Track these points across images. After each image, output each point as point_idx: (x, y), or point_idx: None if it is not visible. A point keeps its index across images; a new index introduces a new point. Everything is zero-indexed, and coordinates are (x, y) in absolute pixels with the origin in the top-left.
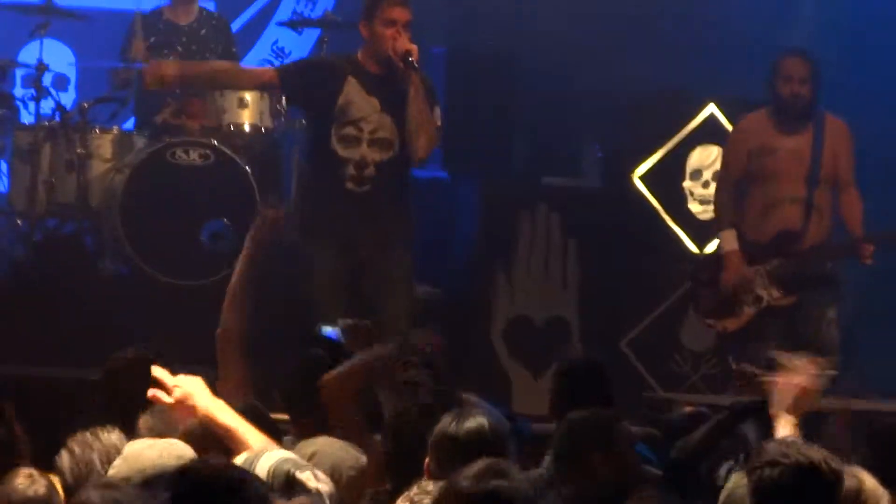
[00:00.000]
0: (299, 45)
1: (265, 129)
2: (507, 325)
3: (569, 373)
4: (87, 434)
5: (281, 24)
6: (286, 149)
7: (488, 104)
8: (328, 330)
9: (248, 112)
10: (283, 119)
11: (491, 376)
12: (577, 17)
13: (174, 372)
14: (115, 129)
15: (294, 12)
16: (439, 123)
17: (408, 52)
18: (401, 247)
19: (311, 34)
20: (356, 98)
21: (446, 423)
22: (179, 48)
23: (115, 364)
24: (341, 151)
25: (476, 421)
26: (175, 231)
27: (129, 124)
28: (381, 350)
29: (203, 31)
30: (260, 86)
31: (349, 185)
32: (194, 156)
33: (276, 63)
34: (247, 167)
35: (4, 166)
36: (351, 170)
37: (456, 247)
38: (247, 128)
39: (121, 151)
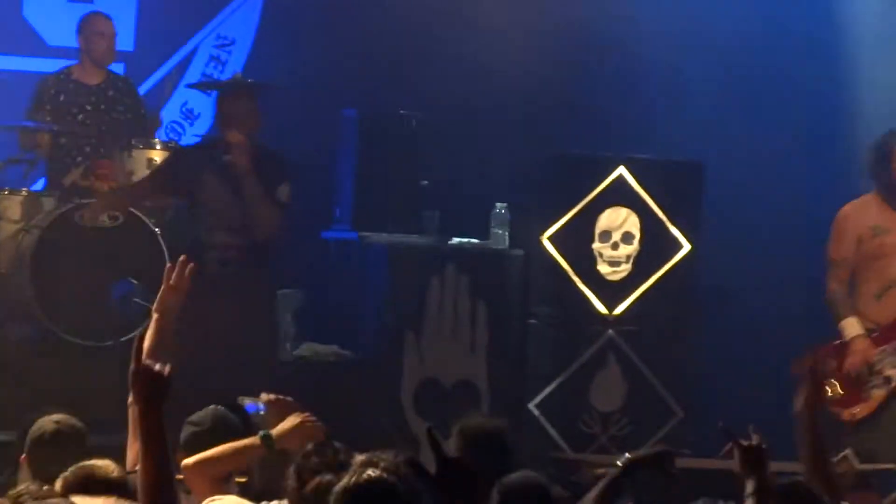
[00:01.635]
0: (208, 106)
1: None
2: (417, 387)
3: (468, 436)
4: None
5: (190, 86)
6: None
7: (397, 165)
8: (249, 403)
9: None
10: None
11: (399, 437)
12: (485, 79)
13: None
14: (24, 191)
15: (203, 74)
16: (284, 200)
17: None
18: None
19: None
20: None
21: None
22: (89, 107)
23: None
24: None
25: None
26: (84, 292)
27: (39, 185)
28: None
29: (111, 93)
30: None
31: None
32: (104, 217)
33: (186, 126)
34: (156, 228)
35: None
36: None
37: (365, 307)
38: None
39: (30, 213)
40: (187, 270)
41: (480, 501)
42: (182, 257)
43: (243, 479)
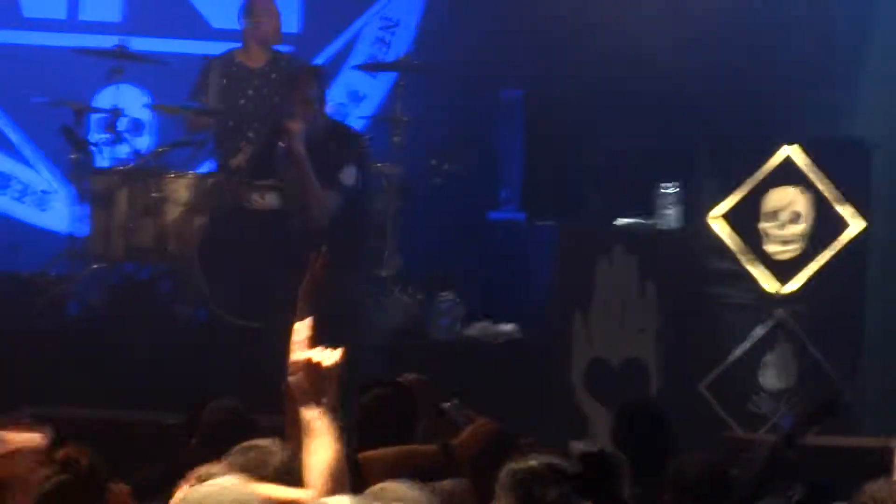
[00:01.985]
0: (375, 89)
1: None
2: (587, 367)
3: (627, 413)
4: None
5: (356, 67)
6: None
7: (564, 146)
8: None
9: None
10: None
11: (569, 415)
12: (655, 61)
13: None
14: (191, 174)
15: (369, 56)
16: (348, 182)
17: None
18: None
19: (387, 78)
20: None
21: None
22: (250, 91)
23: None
24: None
25: None
26: (251, 274)
27: (206, 167)
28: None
29: (273, 76)
30: None
31: None
32: (270, 199)
33: (349, 106)
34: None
35: (86, 210)
36: None
37: (533, 288)
38: None
39: (197, 195)
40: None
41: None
42: (323, 248)
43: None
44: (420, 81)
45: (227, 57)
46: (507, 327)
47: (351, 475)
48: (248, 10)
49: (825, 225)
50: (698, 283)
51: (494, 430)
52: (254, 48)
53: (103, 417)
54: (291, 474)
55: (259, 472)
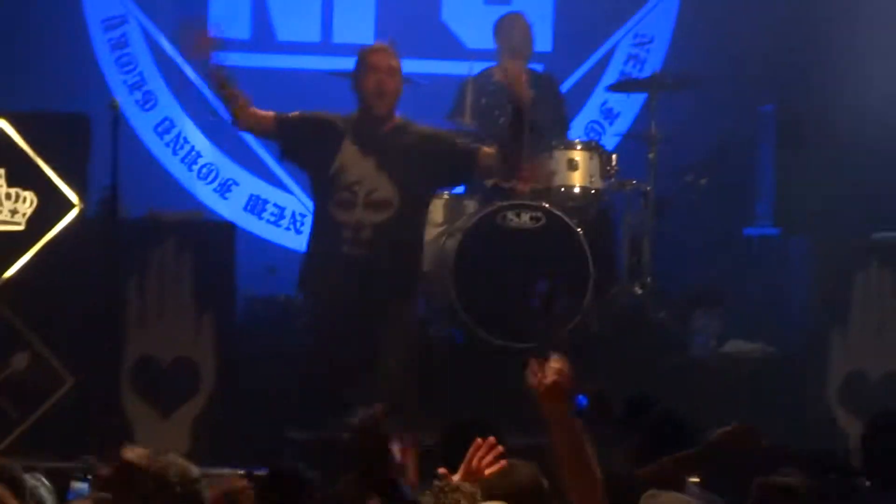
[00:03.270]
0: (628, 107)
1: (595, 190)
2: (843, 382)
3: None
4: None
5: (609, 88)
6: (617, 211)
7: (818, 160)
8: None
9: (578, 174)
10: (613, 180)
11: (824, 434)
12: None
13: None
14: (446, 194)
15: (622, 73)
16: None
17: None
18: (401, 303)
19: (640, 94)
20: (350, 162)
21: None
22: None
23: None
24: (338, 216)
25: None
26: (507, 294)
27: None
28: None
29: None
30: (259, 131)
31: (345, 248)
32: (525, 218)
33: (606, 126)
34: (578, 229)
35: None
36: (348, 233)
37: (789, 304)
38: (577, 189)
39: (452, 215)
40: None
41: None
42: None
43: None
44: (674, 97)
45: (485, 76)
46: (759, 345)
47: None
48: (501, 29)
49: None
50: None
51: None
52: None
53: None
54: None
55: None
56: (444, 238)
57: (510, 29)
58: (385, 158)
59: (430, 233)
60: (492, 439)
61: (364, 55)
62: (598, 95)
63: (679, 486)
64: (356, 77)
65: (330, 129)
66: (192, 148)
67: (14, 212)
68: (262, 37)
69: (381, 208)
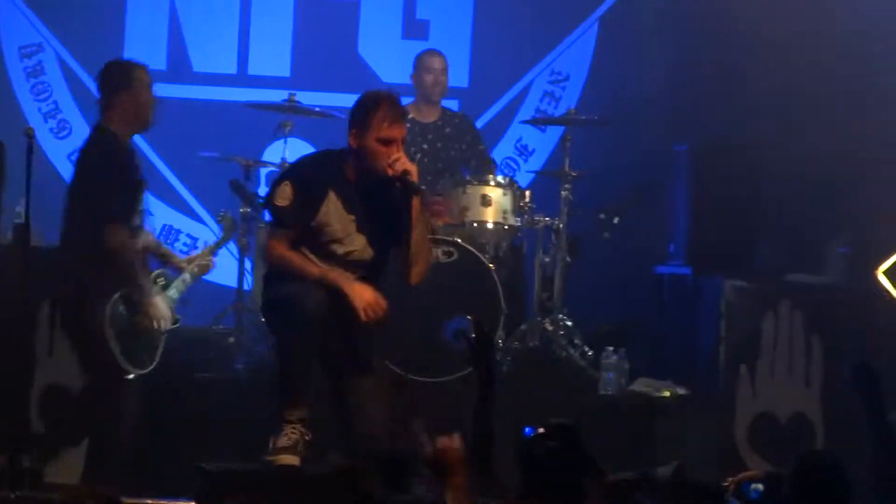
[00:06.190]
0: (543, 144)
1: (508, 226)
2: (751, 422)
3: (808, 470)
4: None
5: (524, 122)
6: (530, 247)
7: (731, 200)
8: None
9: (491, 210)
10: (526, 217)
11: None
12: (811, 108)
13: None
14: None
15: (537, 110)
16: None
17: (406, 172)
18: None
19: (555, 131)
20: (334, 218)
21: None
22: (425, 146)
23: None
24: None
25: None
26: (419, 328)
27: None
28: None
29: (448, 130)
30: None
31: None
32: (437, 252)
33: (521, 163)
34: (490, 265)
35: (249, 264)
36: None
37: (699, 343)
38: (490, 225)
39: None
40: None
41: None
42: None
43: None
44: (588, 135)
45: None
46: (667, 382)
47: None
48: (419, 65)
49: None
50: (866, 337)
51: None
52: (424, 105)
53: None
54: None
55: None
56: None
57: (428, 65)
58: (363, 219)
59: None
60: None
61: (382, 122)
62: (514, 131)
63: None
64: (362, 135)
65: (315, 185)
66: None
67: None
68: (179, 68)
69: (359, 267)
